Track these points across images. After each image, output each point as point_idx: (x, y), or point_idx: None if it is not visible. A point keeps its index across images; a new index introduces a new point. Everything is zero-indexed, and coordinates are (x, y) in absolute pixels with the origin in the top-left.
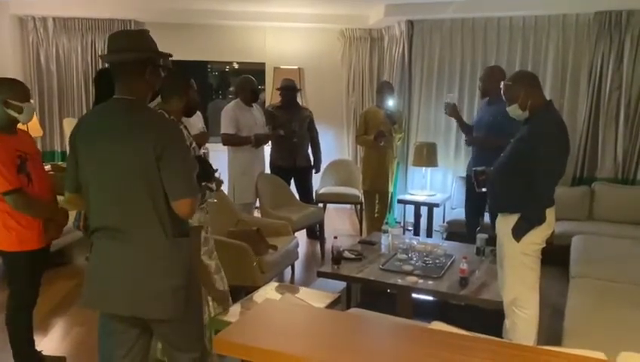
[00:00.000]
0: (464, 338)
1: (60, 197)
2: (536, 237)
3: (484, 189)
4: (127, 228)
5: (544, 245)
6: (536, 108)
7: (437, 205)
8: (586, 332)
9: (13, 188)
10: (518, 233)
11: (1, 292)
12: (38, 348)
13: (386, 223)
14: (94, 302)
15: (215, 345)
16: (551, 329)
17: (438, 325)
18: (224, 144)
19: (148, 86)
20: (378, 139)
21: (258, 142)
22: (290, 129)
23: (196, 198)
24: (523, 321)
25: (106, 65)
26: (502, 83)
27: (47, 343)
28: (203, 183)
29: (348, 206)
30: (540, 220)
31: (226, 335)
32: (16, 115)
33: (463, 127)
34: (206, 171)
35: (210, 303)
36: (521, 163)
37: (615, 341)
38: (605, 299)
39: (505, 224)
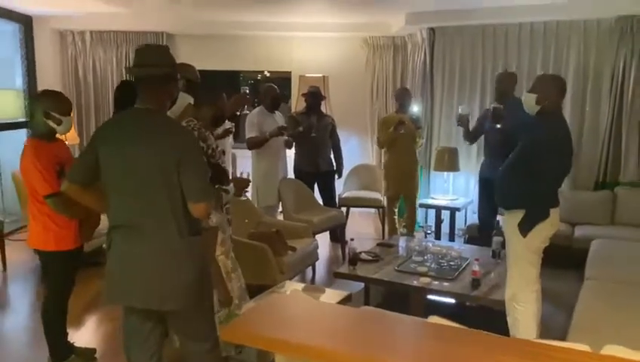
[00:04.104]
0: (457, 331)
1: None
2: (541, 235)
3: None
4: (145, 226)
5: (547, 244)
6: (547, 109)
7: (458, 209)
8: (591, 330)
9: (55, 191)
10: (524, 228)
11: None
12: (71, 340)
13: (404, 226)
14: (113, 296)
15: (222, 334)
16: (561, 330)
17: (434, 319)
18: (249, 148)
19: (168, 97)
20: (398, 128)
21: (272, 136)
22: (309, 124)
23: (211, 201)
24: (523, 316)
25: (129, 77)
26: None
27: (80, 336)
28: (217, 186)
29: (372, 210)
30: (544, 216)
31: (234, 324)
32: (54, 126)
33: (467, 134)
34: (220, 175)
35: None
36: (528, 163)
37: (619, 339)
38: (616, 300)
39: (511, 220)
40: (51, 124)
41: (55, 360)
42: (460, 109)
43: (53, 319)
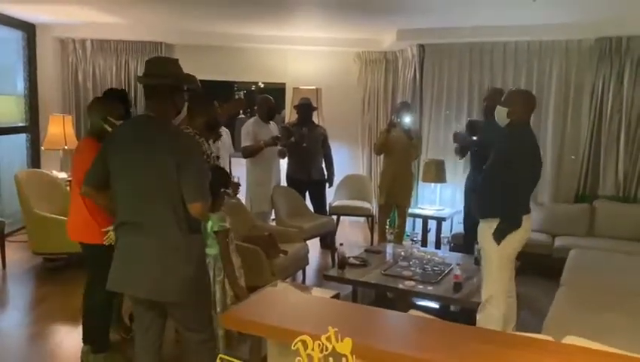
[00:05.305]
0: (435, 322)
1: None
2: (515, 241)
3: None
4: (147, 225)
5: (520, 249)
6: (517, 123)
7: (444, 219)
8: (559, 329)
9: None
10: (498, 236)
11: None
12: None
13: (391, 234)
14: (118, 285)
15: (221, 320)
16: (535, 332)
17: (415, 313)
18: (244, 156)
19: (174, 106)
20: (389, 129)
21: (267, 145)
22: (300, 133)
23: (207, 202)
24: (495, 317)
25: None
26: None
27: None
28: (222, 189)
29: (361, 219)
30: (517, 225)
31: (231, 313)
32: (109, 128)
33: (461, 149)
34: (223, 178)
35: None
36: (501, 174)
37: (582, 335)
38: (585, 304)
39: (485, 228)
40: (107, 128)
41: (89, 344)
42: (459, 129)
43: (97, 307)
